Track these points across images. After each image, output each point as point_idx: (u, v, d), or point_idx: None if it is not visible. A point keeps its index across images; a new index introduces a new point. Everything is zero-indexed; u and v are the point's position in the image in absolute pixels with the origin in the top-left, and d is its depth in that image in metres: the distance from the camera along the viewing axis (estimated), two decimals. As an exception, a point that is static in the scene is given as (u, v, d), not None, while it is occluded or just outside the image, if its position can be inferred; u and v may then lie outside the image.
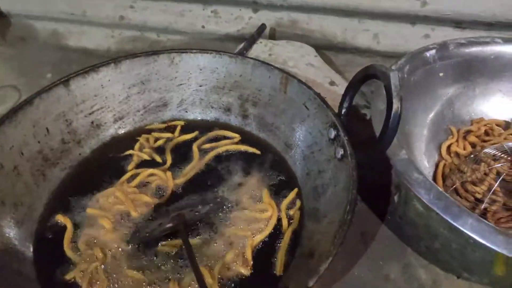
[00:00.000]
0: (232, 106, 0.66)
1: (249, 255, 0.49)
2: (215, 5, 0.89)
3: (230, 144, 0.63)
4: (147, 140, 0.65)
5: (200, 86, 0.66)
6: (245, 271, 0.48)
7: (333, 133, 0.51)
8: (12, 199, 0.53)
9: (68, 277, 0.49)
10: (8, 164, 0.53)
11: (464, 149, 0.63)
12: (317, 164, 0.55)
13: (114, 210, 0.55)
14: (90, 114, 0.63)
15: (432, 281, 0.50)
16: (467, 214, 0.43)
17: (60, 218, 0.54)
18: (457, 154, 0.62)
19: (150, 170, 0.60)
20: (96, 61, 0.93)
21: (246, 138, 0.65)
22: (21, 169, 0.55)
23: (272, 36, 0.88)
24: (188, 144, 0.64)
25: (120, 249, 0.51)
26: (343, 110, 0.52)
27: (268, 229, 0.52)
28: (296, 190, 0.56)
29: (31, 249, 0.51)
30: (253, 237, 0.51)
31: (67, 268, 0.50)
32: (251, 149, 0.62)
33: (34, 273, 0.49)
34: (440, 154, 0.64)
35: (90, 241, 0.52)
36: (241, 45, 0.79)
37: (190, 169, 0.60)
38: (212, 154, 0.62)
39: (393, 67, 0.60)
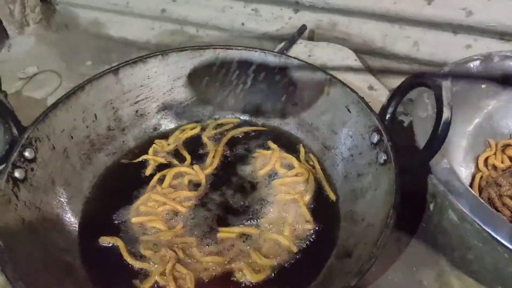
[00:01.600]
0: (272, 104, 0.67)
1: (306, 212, 0.54)
2: (257, 3, 0.90)
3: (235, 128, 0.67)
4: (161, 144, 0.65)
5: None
6: (310, 226, 0.53)
7: (376, 138, 0.52)
8: (61, 179, 0.55)
9: (148, 285, 0.49)
10: (59, 146, 0.56)
11: (502, 162, 0.63)
12: (357, 167, 0.55)
13: (159, 213, 0.56)
14: (135, 103, 0.65)
15: (466, 291, 0.50)
16: (510, 227, 0.44)
17: (106, 240, 0.53)
18: (495, 167, 0.62)
19: (177, 168, 0.61)
20: (135, 51, 0.97)
21: (284, 137, 0.66)
22: (70, 152, 0.58)
23: (311, 38, 0.89)
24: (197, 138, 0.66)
25: (186, 243, 0.52)
26: (387, 116, 0.53)
27: (311, 187, 0.57)
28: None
29: (77, 229, 0.54)
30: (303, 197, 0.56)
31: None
32: (259, 128, 0.66)
33: (78, 251, 0.52)
34: (477, 166, 0.63)
35: (151, 245, 0.52)
36: (281, 45, 0.80)
37: (211, 159, 0.62)
38: (225, 138, 0.65)
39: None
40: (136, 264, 0.51)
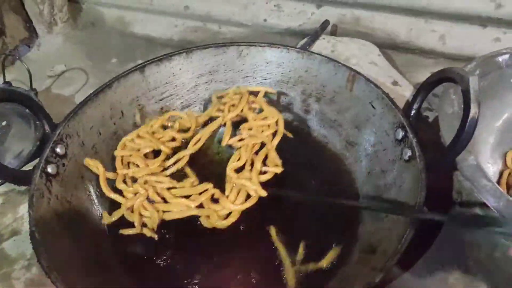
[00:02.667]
0: (294, 100, 0.68)
1: (274, 156, 0.56)
2: (279, -1, 0.90)
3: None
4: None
5: (265, 79, 0.68)
6: (278, 170, 0.55)
7: (401, 134, 0.52)
8: (90, 174, 0.57)
9: (115, 217, 0.53)
10: (88, 142, 0.58)
11: (532, 159, 0.61)
12: (380, 163, 0.55)
13: (143, 150, 0.59)
14: (160, 100, 0.67)
15: (493, 289, 0.50)
16: (539, 225, 0.43)
17: (89, 162, 0.56)
18: (524, 164, 0.61)
19: (171, 112, 0.65)
20: (159, 49, 0.98)
21: (306, 133, 0.66)
22: (98, 147, 0.59)
23: (334, 33, 0.88)
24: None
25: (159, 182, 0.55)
26: (413, 112, 0.52)
27: (280, 132, 0.59)
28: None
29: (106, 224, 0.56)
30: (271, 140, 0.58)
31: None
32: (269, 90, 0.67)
33: (107, 243, 0.54)
34: (505, 163, 0.62)
35: (127, 180, 0.57)
36: (304, 40, 0.80)
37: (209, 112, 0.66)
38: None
39: (463, 71, 0.59)
40: (109, 195, 0.55)
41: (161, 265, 0.51)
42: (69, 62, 0.99)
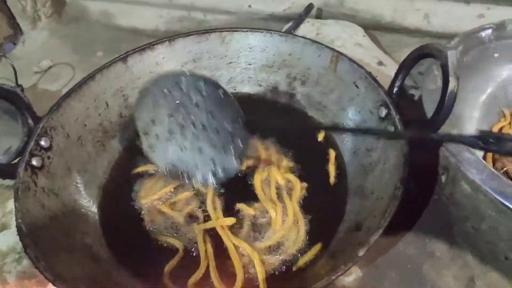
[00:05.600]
0: (280, 84, 0.68)
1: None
2: (263, -16, 0.90)
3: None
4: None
5: (249, 64, 0.68)
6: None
7: (384, 112, 0.52)
8: (76, 166, 0.57)
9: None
10: (73, 134, 0.58)
11: (517, 132, 0.61)
12: (365, 142, 0.55)
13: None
14: (145, 90, 0.66)
15: (479, 261, 0.50)
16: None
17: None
18: (509, 137, 0.61)
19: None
20: (144, 40, 0.96)
21: (294, 115, 0.66)
22: (84, 139, 0.59)
23: (319, 16, 0.88)
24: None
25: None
26: (395, 89, 0.52)
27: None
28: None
29: (96, 212, 0.56)
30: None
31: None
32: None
33: (100, 231, 0.54)
34: (490, 137, 0.62)
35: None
36: (289, 25, 0.80)
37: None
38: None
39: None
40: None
41: (153, 257, 0.51)
42: (55, 57, 0.98)
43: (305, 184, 0.56)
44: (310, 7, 0.83)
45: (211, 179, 0.50)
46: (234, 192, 0.56)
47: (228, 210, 0.54)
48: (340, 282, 0.50)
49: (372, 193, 0.50)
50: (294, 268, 0.48)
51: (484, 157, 0.60)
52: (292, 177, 0.57)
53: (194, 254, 0.51)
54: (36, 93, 0.90)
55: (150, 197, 0.56)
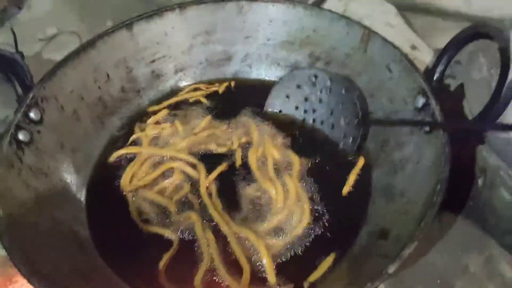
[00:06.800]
0: (300, 64, 0.60)
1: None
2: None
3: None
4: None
5: (268, 40, 0.61)
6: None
7: (421, 102, 0.45)
8: (71, 144, 0.52)
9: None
10: (68, 107, 0.52)
11: None
12: (396, 135, 0.48)
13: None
14: (151, 62, 0.60)
15: (520, 281, 0.44)
16: None
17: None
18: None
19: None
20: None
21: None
22: (81, 114, 0.54)
23: (346, -8, 0.80)
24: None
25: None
26: (436, 76, 0.45)
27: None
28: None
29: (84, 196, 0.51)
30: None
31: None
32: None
33: (86, 219, 0.48)
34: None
35: None
36: (313, -1, 0.72)
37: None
38: None
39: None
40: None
41: (144, 251, 0.46)
42: (62, 25, 0.92)
43: (304, 160, 0.51)
44: (338, -19, 0.75)
45: None
46: (228, 173, 0.51)
47: (224, 194, 0.49)
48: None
49: (402, 195, 0.43)
50: (305, 285, 0.41)
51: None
52: (289, 152, 0.52)
53: (190, 246, 0.45)
54: (39, 62, 0.84)
55: (135, 184, 0.50)
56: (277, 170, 0.51)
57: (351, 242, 0.44)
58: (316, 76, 0.54)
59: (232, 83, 0.63)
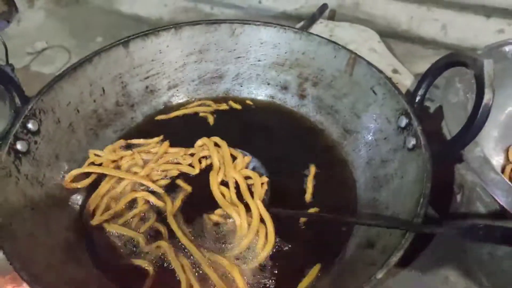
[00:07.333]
0: (289, 84, 0.63)
1: None
2: (275, -20, 0.86)
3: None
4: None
5: (259, 60, 0.64)
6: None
7: (404, 122, 0.48)
8: (66, 154, 0.52)
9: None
10: (64, 120, 0.53)
11: (536, 154, 0.58)
12: (381, 153, 0.52)
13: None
14: (145, 78, 0.62)
15: (495, 290, 0.47)
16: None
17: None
18: (527, 159, 0.58)
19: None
20: (147, 28, 0.93)
21: (301, 120, 0.62)
22: (76, 126, 0.55)
23: (331, 18, 0.84)
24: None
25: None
26: (417, 98, 0.49)
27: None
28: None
29: (79, 205, 0.51)
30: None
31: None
32: None
33: (81, 230, 0.49)
34: (507, 158, 0.59)
35: None
36: (301, 23, 0.76)
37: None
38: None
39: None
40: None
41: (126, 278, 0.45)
42: (51, 39, 0.93)
43: (265, 178, 0.51)
44: (324, 7, 0.80)
45: None
46: (194, 200, 0.51)
47: (190, 220, 0.49)
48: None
49: (386, 208, 0.46)
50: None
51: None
52: (250, 172, 0.52)
53: (168, 272, 0.45)
54: (28, 74, 0.85)
55: (98, 219, 0.48)
56: (239, 192, 0.50)
57: (338, 251, 0.46)
58: None
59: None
